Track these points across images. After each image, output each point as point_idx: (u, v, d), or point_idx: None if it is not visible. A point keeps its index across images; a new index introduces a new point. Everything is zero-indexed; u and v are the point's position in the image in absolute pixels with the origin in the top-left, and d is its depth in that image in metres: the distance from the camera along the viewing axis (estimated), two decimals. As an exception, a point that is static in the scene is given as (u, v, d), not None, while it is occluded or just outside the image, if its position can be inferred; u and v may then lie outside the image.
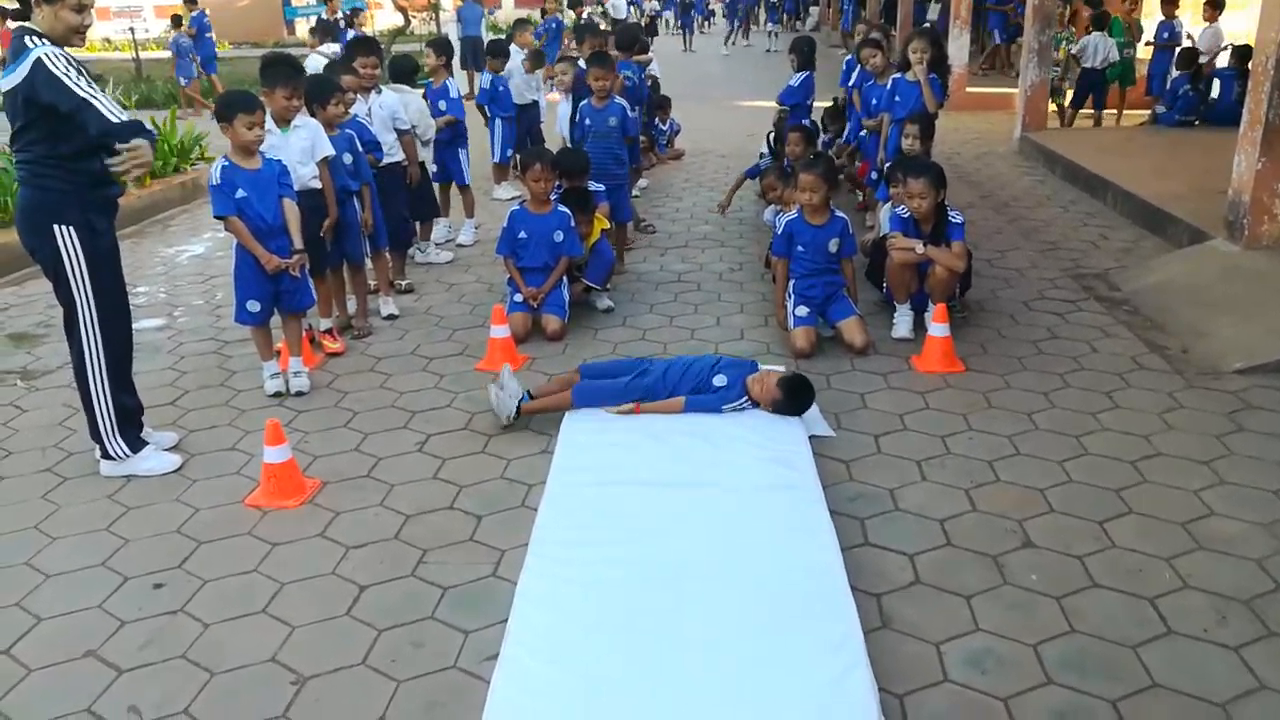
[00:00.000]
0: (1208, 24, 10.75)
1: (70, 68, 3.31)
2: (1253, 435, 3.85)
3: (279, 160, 4.38)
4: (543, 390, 4.20)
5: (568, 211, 5.28)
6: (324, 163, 4.81)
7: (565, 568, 3.01)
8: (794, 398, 3.94)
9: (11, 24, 3.49)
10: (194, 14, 16.08)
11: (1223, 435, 3.85)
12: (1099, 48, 10.28)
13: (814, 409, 4.13)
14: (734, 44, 24.96)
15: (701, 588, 2.91)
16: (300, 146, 4.69)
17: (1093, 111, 10.71)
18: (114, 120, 3.31)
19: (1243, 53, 9.94)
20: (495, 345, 4.80)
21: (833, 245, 4.87)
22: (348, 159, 5.06)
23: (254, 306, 4.38)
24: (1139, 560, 3.05)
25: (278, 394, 4.48)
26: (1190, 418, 4.02)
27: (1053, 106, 10.65)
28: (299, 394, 4.49)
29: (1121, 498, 3.42)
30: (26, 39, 3.35)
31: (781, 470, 3.56)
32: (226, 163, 4.22)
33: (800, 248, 4.90)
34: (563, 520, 3.28)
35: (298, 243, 4.37)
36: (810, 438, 3.84)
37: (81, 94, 3.29)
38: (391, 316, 5.53)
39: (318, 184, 4.79)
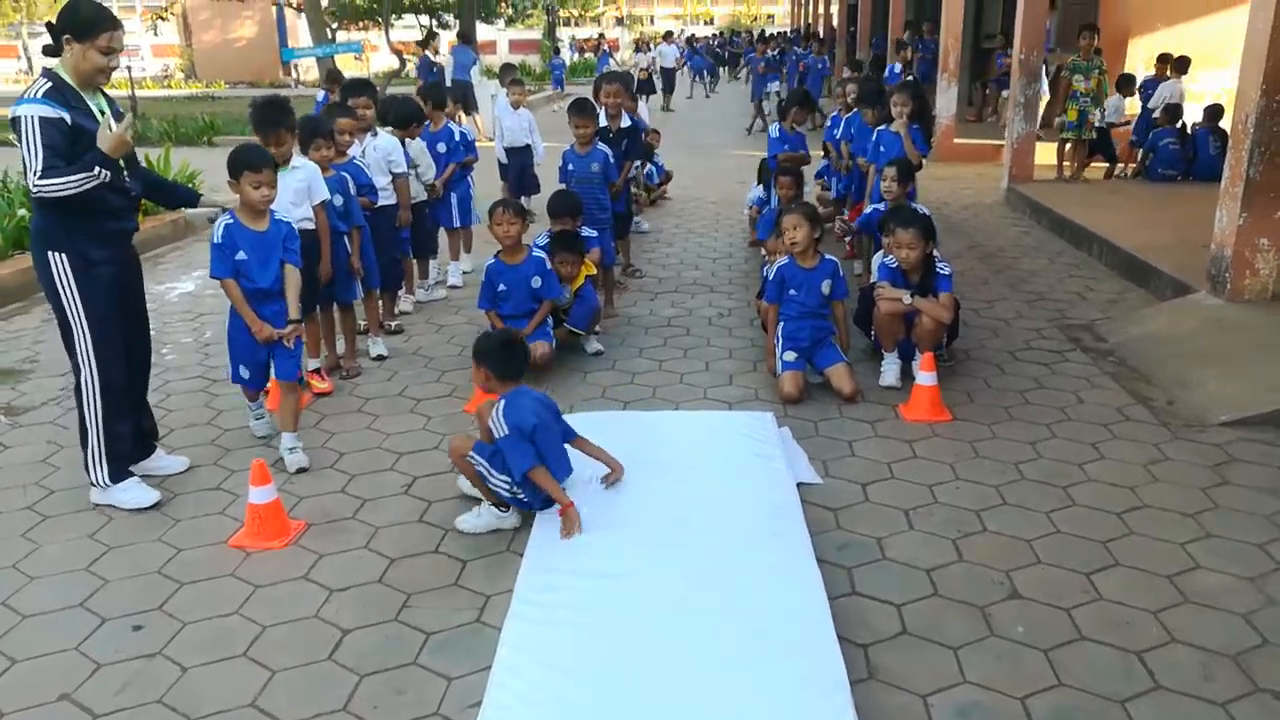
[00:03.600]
0: (1166, 80, 11.05)
1: (39, 135, 3.39)
2: (1238, 489, 3.86)
3: (287, 222, 4.22)
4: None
5: (542, 256, 5.32)
6: (320, 206, 4.83)
7: (550, 614, 2.99)
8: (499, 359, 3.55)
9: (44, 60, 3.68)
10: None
11: (1208, 488, 3.87)
12: (1117, 106, 10.61)
13: (802, 457, 4.13)
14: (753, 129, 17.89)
15: (687, 635, 2.89)
16: (295, 188, 4.69)
17: (1105, 165, 10.81)
18: (37, 184, 3.41)
19: (1213, 111, 10.16)
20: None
21: (825, 287, 4.91)
22: (338, 201, 5.08)
23: (245, 373, 4.24)
24: (1126, 613, 3.05)
25: (266, 436, 4.39)
26: (1176, 470, 4.04)
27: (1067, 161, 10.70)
28: (300, 471, 4.11)
29: (1108, 550, 3.42)
30: (37, 84, 3.49)
31: (768, 518, 3.55)
32: (231, 220, 4.06)
33: (792, 291, 4.94)
34: (548, 566, 3.26)
35: (293, 312, 4.14)
36: (798, 485, 3.84)
37: (31, 165, 3.41)
38: (380, 357, 5.52)
39: (309, 224, 4.79)
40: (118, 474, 3.84)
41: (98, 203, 3.56)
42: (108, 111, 3.63)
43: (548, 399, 3.81)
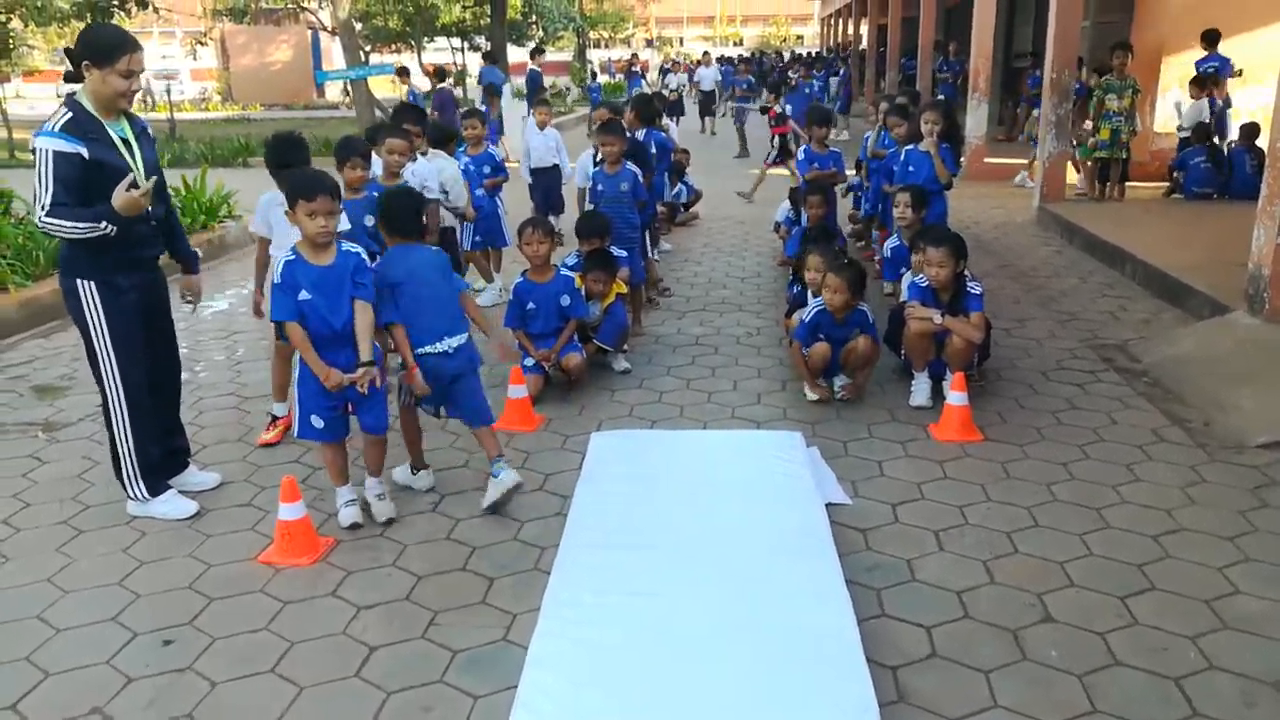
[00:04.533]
0: (1193, 100, 10.89)
1: (52, 170, 3.42)
2: (1277, 511, 3.78)
3: (356, 252, 3.75)
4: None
5: (570, 275, 5.35)
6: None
7: (577, 632, 2.98)
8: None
9: (64, 87, 3.71)
10: None
11: (1247, 511, 3.79)
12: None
13: (831, 477, 4.11)
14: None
15: (715, 655, 2.87)
16: None
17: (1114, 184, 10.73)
18: (41, 223, 3.46)
19: (1249, 129, 10.05)
20: (512, 405, 4.81)
21: (854, 333, 4.93)
22: (369, 221, 5.00)
23: (318, 422, 3.70)
24: (1162, 638, 2.99)
25: (355, 526, 3.77)
26: (1213, 492, 3.96)
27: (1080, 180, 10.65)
28: (389, 521, 3.83)
29: (1143, 573, 3.36)
30: (57, 115, 3.52)
31: (797, 537, 3.52)
32: (293, 256, 3.62)
33: (821, 336, 4.96)
34: (575, 585, 3.25)
35: (365, 354, 3.66)
36: (827, 505, 3.81)
37: (39, 198, 3.44)
38: None
39: None
40: (155, 487, 3.91)
41: (124, 231, 3.57)
42: (131, 140, 3.64)
43: (437, 258, 3.98)
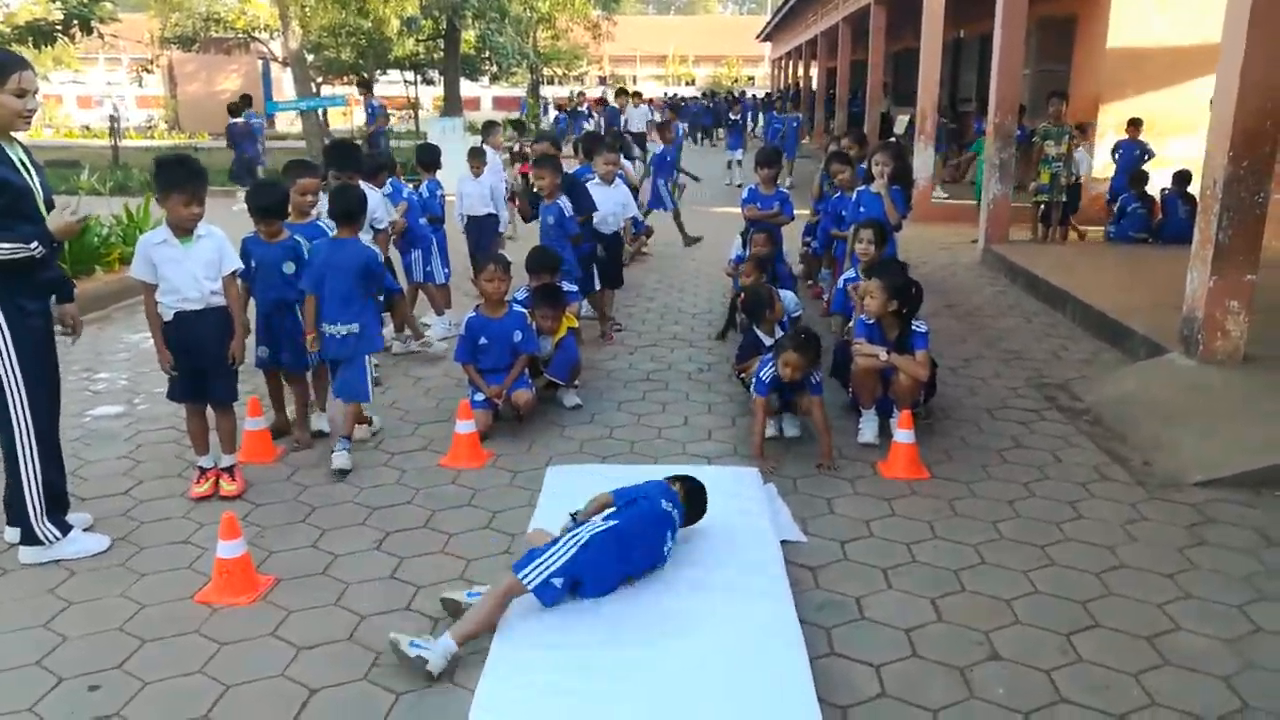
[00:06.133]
0: (1079, 147, 11.14)
1: None
2: (1215, 549, 3.86)
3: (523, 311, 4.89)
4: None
5: (523, 311, 5.36)
6: (231, 278, 4.25)
7: (524, 674, 2.93)
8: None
9: None
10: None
11: (1186, 548, 3.86)
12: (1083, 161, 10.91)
13: (786, 514, 4.10)
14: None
15: (667, 696, 2.83)
16: (205, 259, 4.14)
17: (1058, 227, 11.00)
18: None
19: (1181, 176, 10.41)
20: (460, 441, 4.76)
21: (807, 388, 4.86)
22: (289, 268, 4.80)
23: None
24: (1106, 675, 3.02)
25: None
26: (1153, 530, 4.04)
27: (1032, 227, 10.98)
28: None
29: (1087, 610, 3.40)
30: None
31: (753, 575, 3.51)
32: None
33: (776, 391, 4.93)
34: (523, 625, 3.20)
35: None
36: (782, 543, 3.80)
37: None
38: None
39: (220, 300, 4.21)
40: (61, 526, 3.77)
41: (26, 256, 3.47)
42: (27, 163, 3.55)
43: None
